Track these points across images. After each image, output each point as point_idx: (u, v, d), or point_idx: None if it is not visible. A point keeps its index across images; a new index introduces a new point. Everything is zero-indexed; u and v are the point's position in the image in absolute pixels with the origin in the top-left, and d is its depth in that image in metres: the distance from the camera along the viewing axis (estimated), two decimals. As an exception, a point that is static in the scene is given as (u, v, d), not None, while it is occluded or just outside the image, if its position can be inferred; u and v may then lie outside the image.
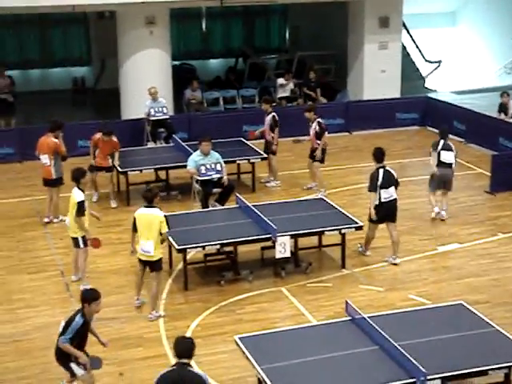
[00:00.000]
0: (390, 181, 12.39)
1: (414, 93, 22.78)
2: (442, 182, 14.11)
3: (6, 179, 17.07)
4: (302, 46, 25.38)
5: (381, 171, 12.37)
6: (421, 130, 20.63)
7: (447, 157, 14.05)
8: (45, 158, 14.14)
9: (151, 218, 10.65)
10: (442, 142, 14.16)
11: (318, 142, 15.46)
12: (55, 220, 14.22)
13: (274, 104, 19.06)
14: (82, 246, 11.62)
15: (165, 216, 10.80)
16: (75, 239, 11.63)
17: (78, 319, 8.35)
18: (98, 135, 15.19)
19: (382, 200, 12.28)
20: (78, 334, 8.37)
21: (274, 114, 16.07)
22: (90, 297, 8.43)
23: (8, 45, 26.05)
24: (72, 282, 11.93)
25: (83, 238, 11.58)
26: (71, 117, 20.91)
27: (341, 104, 21.33)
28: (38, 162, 15.74)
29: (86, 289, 9.17)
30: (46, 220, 14.30)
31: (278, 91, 21.71)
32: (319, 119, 15.57)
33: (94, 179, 14.96)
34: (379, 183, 12.26)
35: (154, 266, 10.81)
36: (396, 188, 12.47)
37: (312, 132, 15.52)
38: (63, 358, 8.50)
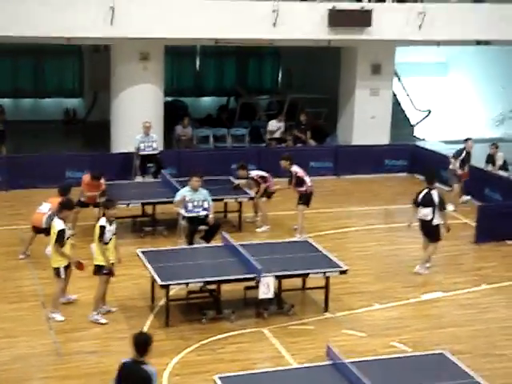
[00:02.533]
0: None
1: (403, 140, 22.96)
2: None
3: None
4: (294, 89, 25.61)
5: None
6: (409, 177, 20.74)
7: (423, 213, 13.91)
8: (46, 207, 13.78)
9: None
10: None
11: (300, 189, 15.44)
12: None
13: (264, 145, 19.13)
14: (62, 275, 11.62)
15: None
16: (56, 269, 11.61)
17: (149, 368, 7.66)
18: (88, 178, 15.21)
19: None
20: None
21: (250, 177, 16.07)
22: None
23: (1, 73, 26.12)
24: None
25: (65, 267, 11.59)
26: (61, 147, 20.94)
27: (330, 147, 21.45)
28: (24, 191, 15.83)
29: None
30: (22, 256, 14.17)
31: (269, 133, 21.82)
32: (293, 168, 15.48)
33: (76, 215, 14.95)
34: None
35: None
36: None
37: (293, 181, 15.49)
38: None
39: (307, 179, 15.52)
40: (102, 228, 11.39)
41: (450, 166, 18.05)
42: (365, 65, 21.60)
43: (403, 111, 25.30)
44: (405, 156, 21.11)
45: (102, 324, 11.56)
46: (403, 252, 15.01)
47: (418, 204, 13.90)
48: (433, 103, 27.42)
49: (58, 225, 11.53)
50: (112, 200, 12.03)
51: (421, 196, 13.94)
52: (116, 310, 11.98)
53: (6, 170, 18.16)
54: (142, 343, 7.61)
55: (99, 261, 11.50)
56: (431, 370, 9.10)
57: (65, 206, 11.78)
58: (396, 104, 23.90)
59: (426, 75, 28.78)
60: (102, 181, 15.37)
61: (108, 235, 11.44)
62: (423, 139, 24.79)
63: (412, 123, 25.54)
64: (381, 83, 21.81)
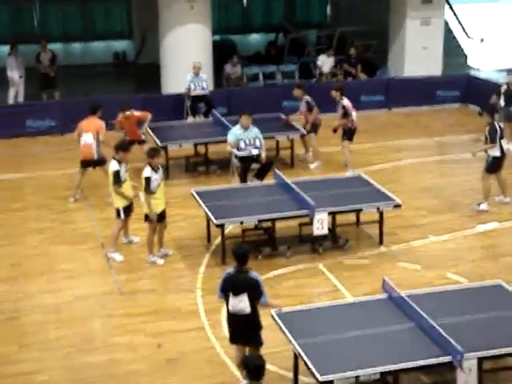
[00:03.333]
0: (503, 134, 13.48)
1: (456, 70, 22.53)
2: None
3: (49, 151, 17.32)
4: (342, 22, 25.20)
5: (497, 124, 13.32)
6: (462, 107, 20.42)
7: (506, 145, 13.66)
8: (89, 137, 13.96)
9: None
10: (497, 125, 13.42)
11: (346, 120, 15.36)
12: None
13: (314, 80, 18.98)
14: (121, 216, 11.84)
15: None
16: (117, 209, 11.85)
17: (258, 276, 8.44)
18: (120, 117, 15.16)
19: (504, 151, 13.30)
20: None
21: (306, 97, 16.01)
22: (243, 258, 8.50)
23: (50, 19, 26.27)
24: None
25: (124, 208, 11.80)
26: (112, 90, 21.09)
27: (381, 80, 21.18)
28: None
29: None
30: (72, 200, 14.37)
31: (319, 67, 21.60)
32: (344, 100, 15.37)
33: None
34: (498, 135, 13.18)
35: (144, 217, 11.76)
36: None
37: (339, 112, 15.42)
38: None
39: (354, 114, 15.39)
40: (148, 179, 11.33)
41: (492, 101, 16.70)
42: (415, -6, 21.12)
43: (456, 40, 24.72)
44: (458, 86, 20.74)
45: (159, 265, 11.79)
46: (456, 184, 14.88)
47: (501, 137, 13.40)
48: (486, 31, 26.73)
49: (112, 166, 11.67)
50: (156, 148, 12.06)
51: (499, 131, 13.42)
52: (173, 253, 12.15)
53: (60, 114, 18.41)
54: (242, 254, 8.44)
55: (146, 209, 11.58)
56: (488, 301, 9.12)
57: (120, 148, 11.80)
58: (448, 33, 23.36)
59: (479, 2, 28.02)
60: (135, 112, 15.10)
61: (155, 184, 11.37)
62: (477, 68, 24.26)
63: (465, 52, 24.97)
64: (432, 12, 21.31)
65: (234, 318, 8.53)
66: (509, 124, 16.41)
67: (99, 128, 14.09)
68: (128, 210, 11.92)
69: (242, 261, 8.43)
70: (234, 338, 8.71)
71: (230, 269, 8.54)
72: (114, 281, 11.37)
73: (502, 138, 13.33)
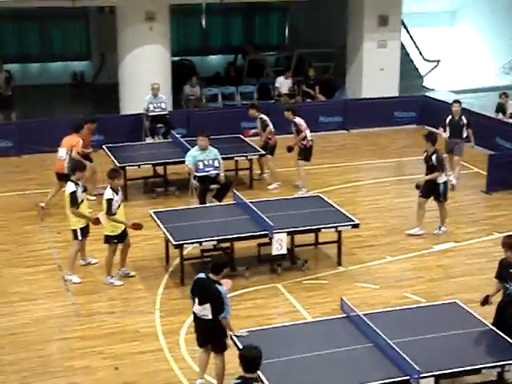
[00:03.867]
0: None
1: (412, 91, 22.85)
2: None
3: (5, 172, 17.10)
4: (301, 44, 25.42)
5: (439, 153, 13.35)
6: (419, 128, 20.66)
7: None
8: (62, 152, 14.20)
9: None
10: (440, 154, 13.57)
11: (303, 142, 15.53)
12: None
13: (273, 101, 19.16)
14: (79, 237, 11.79)
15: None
16: (74, 231, 11.77)
17: (221, 288, 8.55)
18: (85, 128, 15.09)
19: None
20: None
21: (261, 116, 16.14)
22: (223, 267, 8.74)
23: (7, 38, 26.05)
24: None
25: (81, 229, 11.74)
26: (70, 110, 20.96)
27: (339, 102, 21.38)
28: (36, 156, 15.97)
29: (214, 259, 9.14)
30: (42, 205, 14.50)
31: (278, 89, 21.75)
32: (296, 119, 15.58)
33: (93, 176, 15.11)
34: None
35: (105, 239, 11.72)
36: None
37: (293, 130, 15.60)
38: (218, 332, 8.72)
39: (308, 133, 15.54)
40: (110, 201, 11.31)
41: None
42: (372, 17, 21.39)
43: (412, 62, 25.10)
44: (414, 107, 21.02)
45: (117, 286, 11.71)
46: (413, 204, 14.98)
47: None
48: (442, 53, 27.19)
49: (68, 188, 11.61)
50: (116, 169, 12.05)
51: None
52: (134, 274, 12.09)
53: (17, 135, 18.22)
54: (217, 263, 8.68)
55: (108, 231, 11.53)
56: (445, 320, 9.22)
57: (76, 168, 11.82)
58: (404, 55, 23.71)
59: (434, 26, 28.51)
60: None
61: (115, 206, 11.37)
62: (433, 89, 24.63)
63: (421, 74, 25.34)
64: (388, 34, 21.62)
65: (198, 321, 8.81)
66: (450, 156, 16.01)
67: (75, 144, 14.28)
68: (85, 230, 11.85)
69: (215, 270, 8.61)
70: (198, 340, 8.95)
71: (203, 274, 8.77)
72: (71, 303, 11.26)
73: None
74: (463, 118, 15.83)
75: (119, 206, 11.50)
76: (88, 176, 13.91)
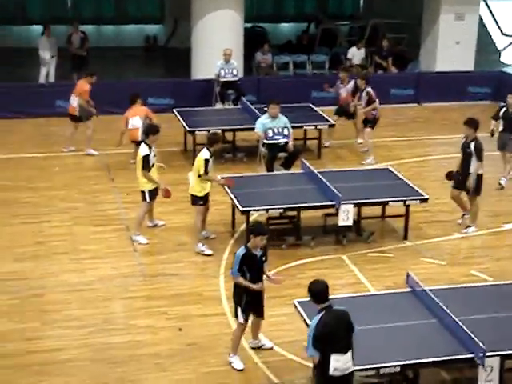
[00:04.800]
0: None
1: (489, 67, 22.32)
2: None
3: (78, 132, 17.33)
4: (375, 14, 25.04)
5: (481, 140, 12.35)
6: (493, 104, 20.19)
7: None
8: (136, 120, 14.54)
9: (198, 157, 11.43)
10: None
11: (373, 112, 15.39)
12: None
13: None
14: (147, 199, 11.88)
15: (206, 160, 11.20)
16: (142, 192, 11.87)
17: (240, 251, 8.65)
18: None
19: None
20: (244, 264, 8.60)
21: (368, 89, 15.74)
22: (256, 230, 8.68)
23: (83, 1, 26.35)
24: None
25: (150, 191, 11.82)
26: (142, 74, 21.13)
27: (412, 74, 21.03)
28: (108, 117, 16.18)
29: (254, 223, 9.38)
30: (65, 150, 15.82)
31: (350, 60, 21.49)
32: (369, 88, 15.44)
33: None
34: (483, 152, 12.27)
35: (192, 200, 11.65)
36: None
37: (364, 99, 15.50)
38: (235, 296, 8.84)
39: (377, 102, 15.41)
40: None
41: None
42: (450, -12, 20.94)
43: (490, 36, 24.49)
44: (489, 83, 20.54)
45: (207, 255, 11.65)
46: (485, 181, 14.71)
47: None
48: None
49: (142, 151, 11.69)
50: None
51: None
52: (215, 237, 12.19)
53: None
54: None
55: (196, 191, 11.55)
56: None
57: (149, 131, 11.91)
58: (482, 28, 23.13)
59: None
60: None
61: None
62: (510, 65, 24.02)
63: (499, 48, 24.72)
64: (466, 7, 21.10)
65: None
66: (502, 153, 14.62)
67: (147, 113, 14.71)
68: (153, 193, 11.96)
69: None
70: None
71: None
72: (137, 263, 11.42)
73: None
74: None
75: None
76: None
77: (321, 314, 7.42)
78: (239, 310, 8.77)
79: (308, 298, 7.68)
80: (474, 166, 12.21)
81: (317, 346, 7.27)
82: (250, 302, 8.73)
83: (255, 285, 8.66)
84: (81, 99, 15.69)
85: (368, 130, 15.58)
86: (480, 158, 12.22)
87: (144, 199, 11.94)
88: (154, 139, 11.86)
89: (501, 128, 14.50)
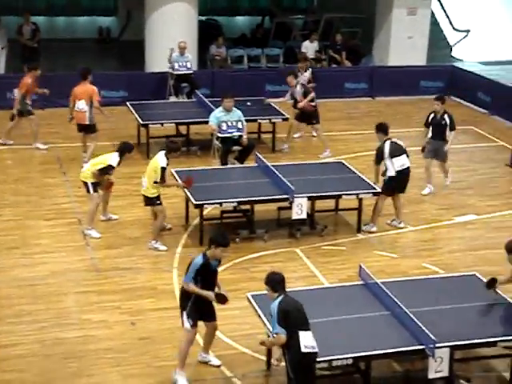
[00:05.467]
0: (400, 150, 12.29)
1: (441, 61, 22.61)
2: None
3: (29, 125, 17.11)
4: (329, 8, 25.14)
5: (387, 143, 12.25)
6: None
7: (401, 162, 12.31)
8: (82, 104, 14.37)
9: (154, 161, 11.29)
10: (387, 144, 12.26)
11: (312, 103, 15.40)
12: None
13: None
14: (91, 191, 11.82)
15: (163, 167, 11.16)
16: (85, 184, 11.80)
17: (198, 259, 8.32)
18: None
19: (397, 169, 12.21)
20: (199, 274, 8.29)
21: (302, 82, 15.92)
22: (218, 241, 8.34)
23: (35, -9, 26.02)
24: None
25: (93, 184, 11.75)
26: (95, 66, 20.87)
27: (365, 68, 21.18)
28: (60, 110, 15.94)
29: (217, 232, 8.93)
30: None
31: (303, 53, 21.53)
32: (301, 81, 15.57)
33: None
34: (388, 153, 12.14)
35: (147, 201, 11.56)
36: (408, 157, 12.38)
37: (299, 95, 15.51)
38: (182, 301, 8.50)
39: (313, 94, 15.49)
40: (164, 169, 11.26)
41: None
42: (403, -17, 21.13)
43: (441, 31, 24.77)
44: (442, 77, 20.77)
45: (161, 251, 11.59)
46: (436, 175, 14.92)
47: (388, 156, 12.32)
48: (472, 23, 26.78)
49: (161, 162, 11.33)
50: (175, 142, 12.02)
51: (387, 145, 12.29)
52: (171, 227, 12.17)
53: (42, 87, 18.19)
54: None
55: (149, 193, 11.41)
56: (463, 291, 9.18)
57: (171, 149, 11.58)
58: (434, 23, 23.39)
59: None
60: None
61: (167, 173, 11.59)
62: (461, 60, 24.33)
63: (450, 43, 25.02)
64: (419, 2, 21.33)
65: None
66: (429, 162, 14.01)
67: (93, 94, 14.45)
68: (98, 185, 11.85)
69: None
70: None
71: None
72: (90, 258, 11.33)
73: (395, 155, 12.18)
74: (446, 116, 13.85)
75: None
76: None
77: (280, 298, 7.57)
78: (184, 314, 8.40)
79: (262, 292, 7.71)
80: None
81: (282, 323, 7.39)
82: (196, 306, 8.35)
83: (208, 293, 8.33)
84: (19, 93, 15.42)
85: (317, 125, 15.60)
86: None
87: (88, 191, 11.82)
88: (128, 157, 11.96)
89: (430, 135, 13.92)
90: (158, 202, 11.51)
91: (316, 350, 7.47)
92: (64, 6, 26.47)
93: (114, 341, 9.30)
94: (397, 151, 12.24)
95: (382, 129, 12.39)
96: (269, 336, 8.03)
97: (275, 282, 7.69)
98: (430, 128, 13.92)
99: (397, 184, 12.32)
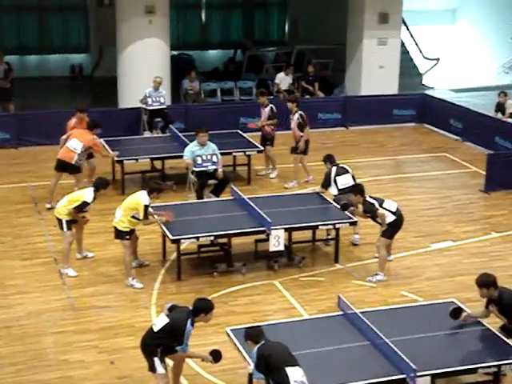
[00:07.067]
0: (344, 170, 13.02)
1: (412, 89, 22.80)
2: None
3: (2, 164, 17.02)
4: (301, 40, 25.37)
5: (333, 168, 13.01)
6: (418, 126, 20.65)
7: (345, 181, 12.89)
8: (78, 146, 14.04)
9: (134, 199, 11.30)
10: (334, 168, 13.01)
11: (301, 134, 15.50)
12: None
13: (271, 97, 19.11)
14: (64, 229, 11.71)
15: (145, 205, 11.18)
16: (59, 221, 11.70)
17: (189, 327, 8.14)
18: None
19: (340, 187, 12.79)
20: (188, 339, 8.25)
21: (271, 106, 16.09)
22: (207, 307, 8.29)
23: (6, 30, 25.98)
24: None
25: (67, 221, 11.65)
26: (68, 103, 20.87)
27: (338, 99, 21.33)
28: (33, 148, 15.83)
29: (200, 301, 8.53)
30: (48, 206, 14.25)
31: (277, 85, 21.67)
32: (301, 111, 15.56)
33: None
34: (333, 175, 12.87)
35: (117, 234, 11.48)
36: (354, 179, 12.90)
37: (294, 124, 15.55)
38: (150, 349, 8.28)
39: (308, 129, 15.61)
40: (146, 207, 11.25)
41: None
42: (372, 14, 21.32)
43: (412, 60, 25.06)
44: (414, 105, 20.97)
45: (138, 288, 11.48)
46: (412, 202, 14.99)
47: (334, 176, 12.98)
48: (441, 51, 27.15)
49: (144, 200, 11.32)
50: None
51: (334, 170, 13.00)
52: (148, 264, 12.15)
53: (15, 127, 18.13)
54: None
55: (121, 226, 11.35)
56: (442, 319, 9.17)
57: (153, 190, 11.56)
58: (404, 53, 23.67)
59: (434, 23, 28.47)
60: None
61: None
62: (432, 88, 24.61)
63: (421, 72, 25.31)
64: (389, 32, 21.57)
65: None
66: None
67: (94, 145, 14.34)
68: (73, 222, 11.78)
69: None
70: None
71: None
72: (66, 297, 11.21)
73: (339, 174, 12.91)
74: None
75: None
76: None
77: (259, 345, 7.61)
78: (156, 360, 8.18)
79: (242, 326, 7.65)
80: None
81: (260, 368, 7.44)
82: (165, 348, 8.23)
83: (204, 354, 8.37)
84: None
85: (302, 155, 15.67)
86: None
87: (62, 228, 11.73)
88: (103, 193, 11.93)
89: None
90: (128, 237, 11.43)
91: None
92: (36, 44, 26.48)
93: (91, 381, 9.17)
94: (341, 171, 12.98)
95: (329, 159, 13.23)
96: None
97: (255, 335, 7.73)
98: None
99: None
